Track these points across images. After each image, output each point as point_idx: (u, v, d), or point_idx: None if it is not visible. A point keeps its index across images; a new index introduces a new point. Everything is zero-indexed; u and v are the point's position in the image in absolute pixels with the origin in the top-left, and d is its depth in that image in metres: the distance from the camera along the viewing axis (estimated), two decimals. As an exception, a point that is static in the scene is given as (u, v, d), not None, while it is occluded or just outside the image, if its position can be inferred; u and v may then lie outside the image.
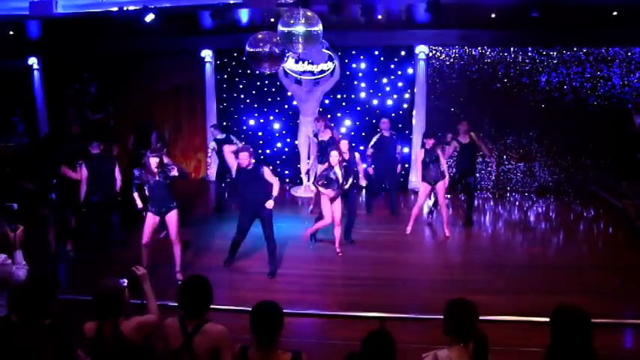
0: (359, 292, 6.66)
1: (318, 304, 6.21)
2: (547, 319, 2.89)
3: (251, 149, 7.24)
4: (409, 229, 8.84)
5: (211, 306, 3.35)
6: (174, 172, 7.00)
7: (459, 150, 9.22)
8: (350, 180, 7.81)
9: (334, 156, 7.60)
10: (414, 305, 6.07)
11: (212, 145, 10.24)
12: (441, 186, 8.60)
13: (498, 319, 5.56)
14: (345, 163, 7.76)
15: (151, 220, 6.95)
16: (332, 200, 7.68)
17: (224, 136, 10.13)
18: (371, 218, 9.84)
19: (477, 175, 11.85)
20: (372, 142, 9.94)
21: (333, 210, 7.70)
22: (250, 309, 3.05)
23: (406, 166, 11.67)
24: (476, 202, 11.00)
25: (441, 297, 3.46)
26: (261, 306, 3.05)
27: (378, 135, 9.98)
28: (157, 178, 6.87)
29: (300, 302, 6.06)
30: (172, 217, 6.97)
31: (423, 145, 8.60)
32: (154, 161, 6.87)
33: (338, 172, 7.61)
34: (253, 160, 7.10)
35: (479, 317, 3.01)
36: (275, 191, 7.05)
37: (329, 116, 12.00)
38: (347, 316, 5.94)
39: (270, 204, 7.01)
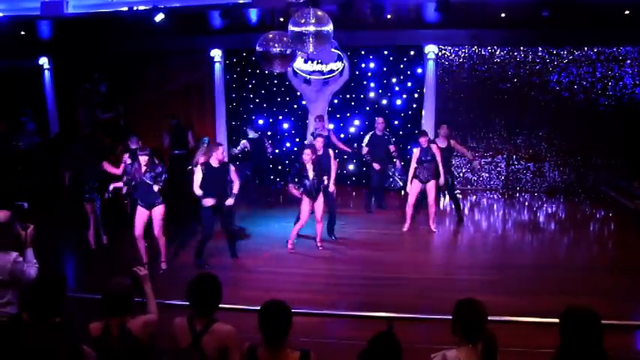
0: (367, 291, 6.64)
1: (326, 303, 6.20)
2: (557, 320, 2.87)
3: (223, 145, 7.68)
4: (406, 226, 8.90)
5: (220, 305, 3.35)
6: (164, 176, 7.18)
7: None
8: (325, 178, 7.95)
9: (307, 154, 7.73)
10: (422, 305, 6.05)
11: (243, 143, 10.30)
12: (432, 185, 8.64)
13: (507, 319, 5.53)
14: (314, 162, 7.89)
15: (140, 213, 7.16)
16: (313, 199, 7.80)
17: (257, 136, 10.36)
18: (376, 217, 9.85)
19: (486, 175, 11.88)
20: (365, 141, 9.86)
21: (315, 207, 7.86)
22: (258, 308, 3.05)
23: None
24: (485, 201, 10.99)
25: (449, 297, 3.44)
26: (269, 305, 3.04)
27: (371, 133, 9.90)
28: (144, 177, 7.04)
29: (308, 301, 6.05)
30: (157, 211, 7.15)
31: (418, 144, 8.60)
32: (143, 159, 7.07)
33: (310, 169, 7.73)
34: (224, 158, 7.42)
35: (488, 317, 3.00)
36: (235, 189, 7.37)
37: (338, 116, 12.03)
38: (355, 316, 5.93)
39: (230, 201, 7.38)
